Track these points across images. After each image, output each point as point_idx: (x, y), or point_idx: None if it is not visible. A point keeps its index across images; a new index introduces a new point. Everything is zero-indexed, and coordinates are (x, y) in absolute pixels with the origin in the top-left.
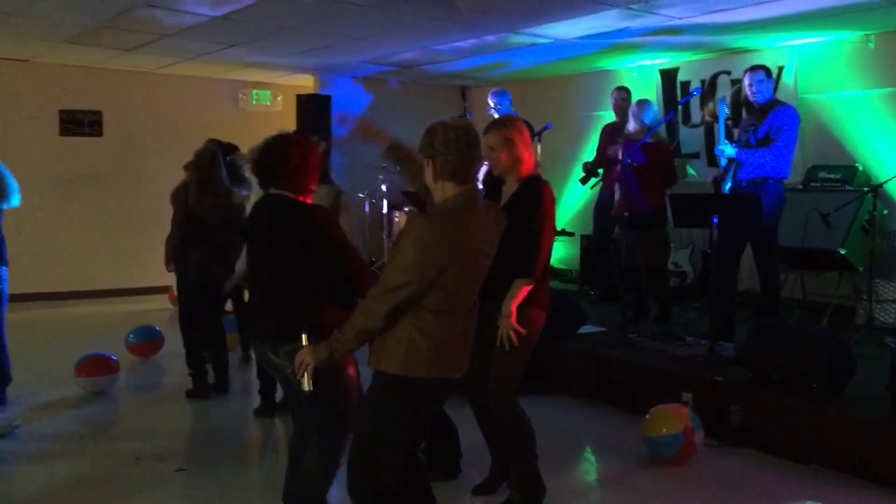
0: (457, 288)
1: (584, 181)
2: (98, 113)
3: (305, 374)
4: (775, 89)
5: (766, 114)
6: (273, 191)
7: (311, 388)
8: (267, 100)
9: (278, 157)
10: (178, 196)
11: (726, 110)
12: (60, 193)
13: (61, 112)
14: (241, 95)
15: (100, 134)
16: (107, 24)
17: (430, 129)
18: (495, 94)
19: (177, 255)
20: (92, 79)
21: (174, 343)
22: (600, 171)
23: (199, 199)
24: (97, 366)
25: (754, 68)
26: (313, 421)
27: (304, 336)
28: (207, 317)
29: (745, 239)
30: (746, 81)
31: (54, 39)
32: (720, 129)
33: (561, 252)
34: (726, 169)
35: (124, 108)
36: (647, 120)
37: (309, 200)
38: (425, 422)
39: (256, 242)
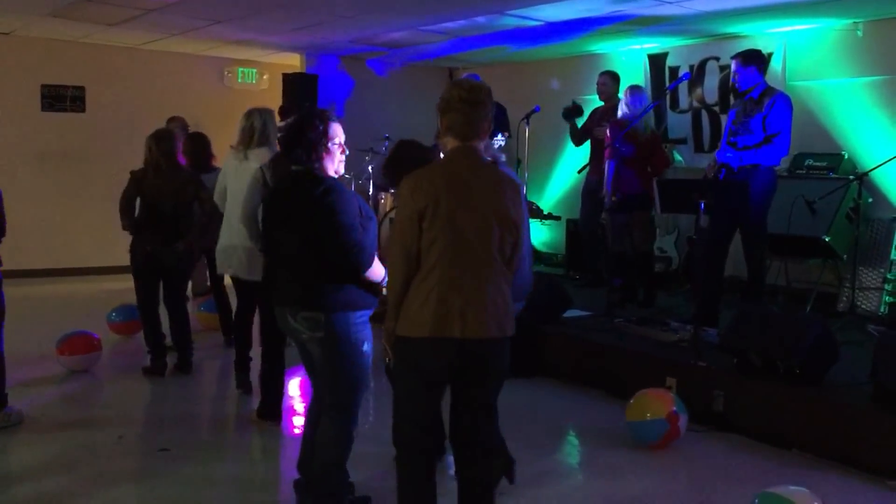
0: (437, 238)
1: (567, 117)
2: (81, 88)
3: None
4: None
5: (758, 105)
6: (294, 167)
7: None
8: (252, 78)
9: (297, 134)
10: (135, 179)
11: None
12: (42, 170)
13: (43, 87)
14: (226, 73)
15: (82, 110)
16: None
17: (446, 88)
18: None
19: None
20: (75, 53)
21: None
22: (580, 121)
23: (155, 182)
24: (79, 344)
25: (734, 56)
26: (326, 395)
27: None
28: (169, 300)
29: (734, 225)
30: (732, 68)
31: (37, 13)
32: (724, 135)
33: (547, 236)
34: (722, 164)
35: (108, 83)
36: (632, 111)
37: (329, 174)
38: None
39: (281, 215)
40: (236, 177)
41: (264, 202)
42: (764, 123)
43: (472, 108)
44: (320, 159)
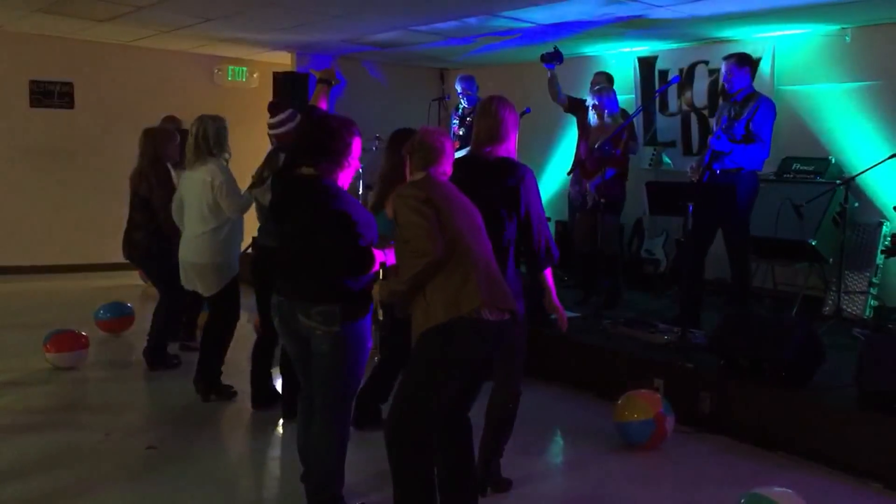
0: (462, 224)
1: (545, 60)
2: (69, 84)
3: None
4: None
5: (744, 108)
6: (304, 169)
7: (382, 318)
8: (242, 76)
9: (312, 138)
10: (132, 178)
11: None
12: (30, 166)
13: (31, 83)
14: (216, 71)
15: (71, 106)
16: None
17: (413, 137)
18: (464, 80)
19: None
20: (64, 49)
21: (145, 319)
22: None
23: (147, 179)
24: (66, 341)
25: (727, 57)
26: (321, 395)
27: (380, 270)
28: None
29: (716, 228)
30: (723, 69)
31: (26, 8)
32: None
33: None
34: (706, 166)
35: (97, 80)
36: (610, 110)
37: (340, 179)
38: (467, 376)
39: (293, 217)
40: (187, 187)
41: (272, 201)
42: (747, 127)
43: (439, 149)
44: (334, 171)
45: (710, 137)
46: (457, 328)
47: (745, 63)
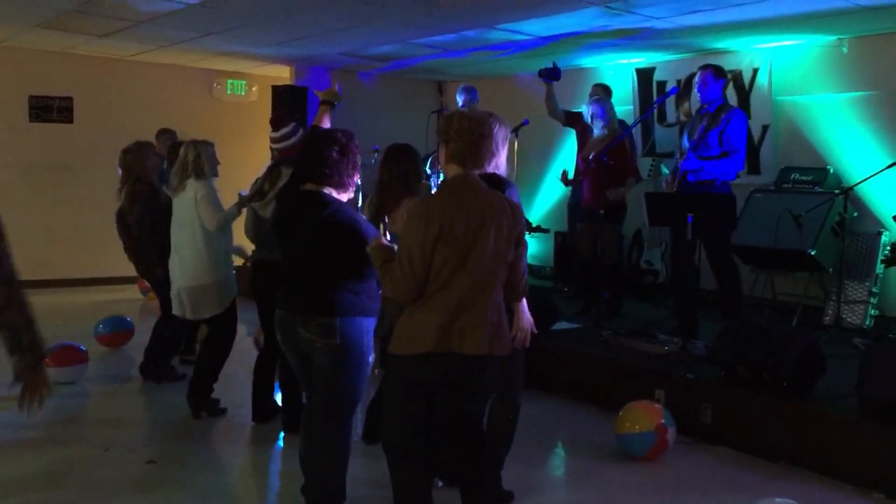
0: (448, 260)
1: (543, 76)
2: (69, 99)
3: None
4: (749, 91)
5: (716, 119)
6: (310, 185)
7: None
8: (241, 90)
9: (316, 155)
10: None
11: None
12: (29, 181)
13: (31, 98)
14: (215, 85)
15: (70, 121)
16: (80, 8)
17: (448, 116)
18: (466, 91)
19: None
20: (63, 64)
21: (145, 334)
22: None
23: (128, 196)
24: (66, 355)
25: (704, 67)
26: (324, 407)
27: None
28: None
29: (696, 237)
30: (697, 78)
31: (26, 23)
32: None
33: (535, 248)
34: (682, 177)
35: (96, 94)
36: (606, 120)
37: (344, 195)
38: (429, 396)
39: (297, 231)
40: (177, 209)
41: (275, 216)
42: (720, 138)
43: (478, 139)
44: (335, 184)
45: (680, 161)
46: (406, 361)
47: (721, 75)
